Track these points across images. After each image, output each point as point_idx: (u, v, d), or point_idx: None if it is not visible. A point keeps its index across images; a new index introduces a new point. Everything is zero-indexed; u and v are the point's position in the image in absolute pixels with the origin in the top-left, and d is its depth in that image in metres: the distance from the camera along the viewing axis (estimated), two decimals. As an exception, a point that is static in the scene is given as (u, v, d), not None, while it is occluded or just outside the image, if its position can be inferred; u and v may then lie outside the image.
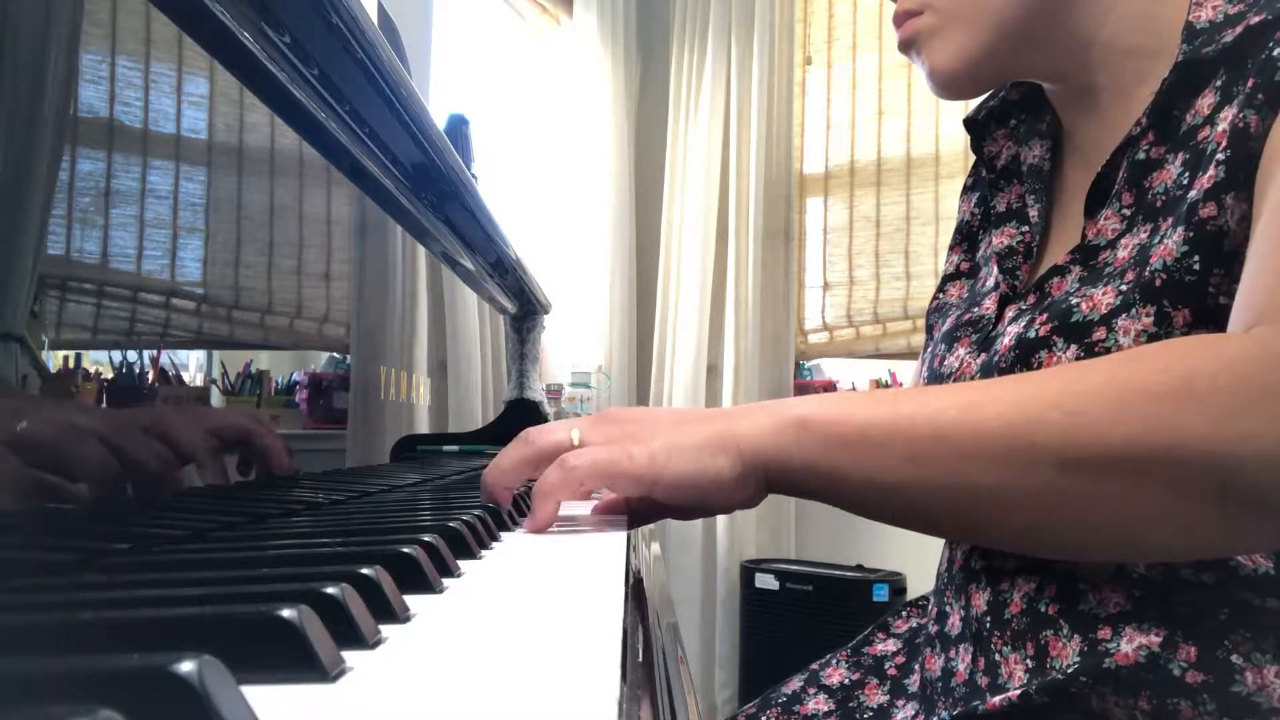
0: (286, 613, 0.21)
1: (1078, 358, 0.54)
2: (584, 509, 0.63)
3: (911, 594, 2.35)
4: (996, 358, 0.60)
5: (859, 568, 2.46)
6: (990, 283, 0.69)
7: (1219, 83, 0.55)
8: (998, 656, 0.58)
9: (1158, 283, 0.52)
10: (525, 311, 1.58)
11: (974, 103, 0.75)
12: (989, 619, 0.60)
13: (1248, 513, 0.42)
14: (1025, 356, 0.57)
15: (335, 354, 0.88)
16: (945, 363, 0.68)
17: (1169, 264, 0.52)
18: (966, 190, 0.81)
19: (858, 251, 2.74)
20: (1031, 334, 0.57)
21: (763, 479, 0.49)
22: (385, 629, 0.26)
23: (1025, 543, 0.50)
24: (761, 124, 2.70)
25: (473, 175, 1.15)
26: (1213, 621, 0.51)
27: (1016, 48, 0.63)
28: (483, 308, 1.48)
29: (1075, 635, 0.54)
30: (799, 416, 0.48)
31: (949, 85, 0.66)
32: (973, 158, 0.79)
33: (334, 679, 0.21)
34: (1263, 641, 0.51)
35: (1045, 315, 0.57)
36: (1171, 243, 0.52)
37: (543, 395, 1.58)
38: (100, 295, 0.47)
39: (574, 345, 2.67)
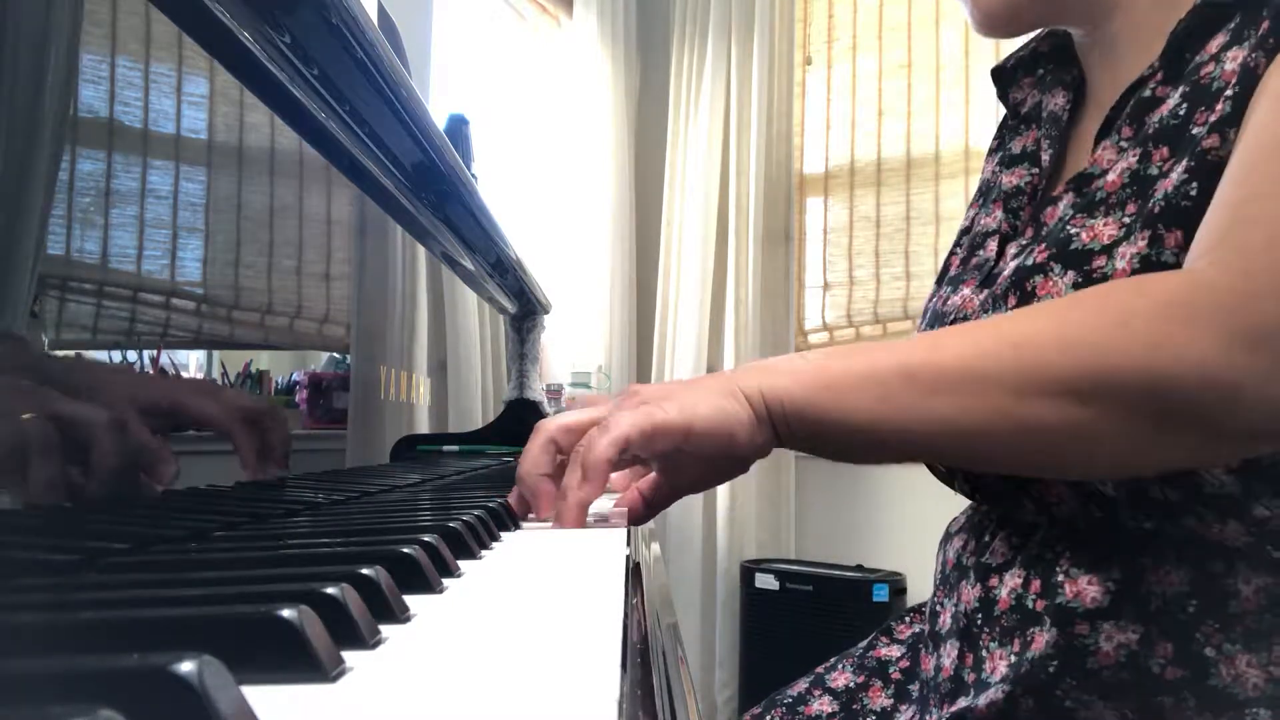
0: (286, 613, 0.21)
1: (1075, 285, 0.57)
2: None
3: (911, 594, 2.35)
4: (997, 290, 0.62)
5: (859, 568, 2.45)
6: (993, 225, 0.71)
7: (1232, 25, 0.56)
8: (984, 652, 0.59)
9: (1156, 210, 0.54)
10: (525, 311, 1.58)
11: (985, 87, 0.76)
12: (979, 615, 0.60)
13: (1186, 428, 0.47)
14: (1020, 283, 0.59)
15: (335, 354, 0.88)
16: (948, 303, 0.70)
17: (1169, 192, 0.54)
18: (991, 152, 0.82)
19: (858, 251, 2.74)
20: (1029, 261, 0.59)
21: (769, 426, 0.52)
22: (385, 629, 0.26)
23: (989, 463, 0.56)
24: (761, 124, 2.70)
25: (473, 175, 1.15)
26: (1183, 615, 0.53)
27: None
28: (483, 308, 1.48)
29: (1054, 627, 0.55)
30: (788, 368, 0.52)
31: (992, 24, 0.69)
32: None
33: (334, 679, 0.21)
34: (1230, 631, 0.52)
35: (1043, 244, 0.59)
36: (1175, 175, 0.54)
37: (543, 395, 1.58)
38: (100, 295, 0.47)
39: (574, 345, 2.67)
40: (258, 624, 0.21)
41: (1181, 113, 0.56)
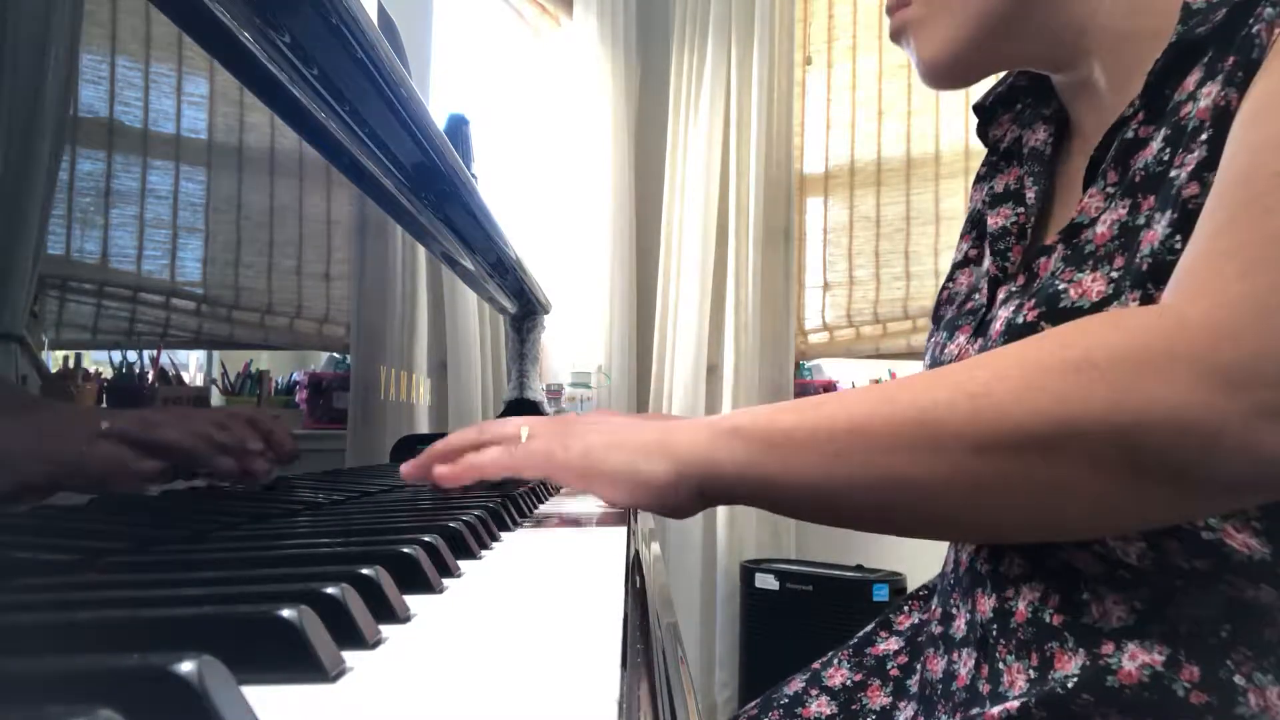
0: (287, 613, 0.21)
1: None
2: (587, 508, 0.64)
3: (911, 594, 2.35)
4: (990, 343, 0.60)
5: (859, 568, 2.45)
6: (985, 267, 0.69)
7: (1205, 60, 0.54)
8: (1001, 665, 0.58)
9: (1145, 267, 0.52)
10: (525, 311, 1.58)
11: (980, 91, 0.76)
12: (995, 626, 0.59)
13: (1162, 480, 0.43)
14: (1012, 342, 0.57)
15: (335, 354, 0.88)
16: (946, 350, 0.69)
17: (1155, 248, 0.51)
18: (979, 179, 0.80)
19: (858, 251, 2.74)
20: (1020, 320, 0.57)
21: (695, 486, 0.51)
22: (385, 629, 0.26)
23: (951, 529, 0.52)
24: (761, 124, 2.70)
25: (473, 175, 1.15)
26: (1214, 639, 0.51)
27: (1002, 37, 0.63)
28: (483, 308, 1.48)
29: (1080, 649, 0.54)
30: (730, 427, 0.50)
31: (936, 74, 0.67)
32: (973, 157, 0.79)
33: (334, 679, 0.21)
34: (1264, 660, 0.50)
35: (1033, 301, 0.57)
36: (1159, 228, 0.52)
37: (543, 395, 1.58)
38: (100, 295, 0.47)
39: (574, 345, 2.66)
40: (258, 624, 0.21)
41: (1165, 158, 0.54)
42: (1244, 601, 0.51)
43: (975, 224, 0.79)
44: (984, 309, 0.67)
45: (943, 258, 2.62)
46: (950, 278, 0.78)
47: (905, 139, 2.69)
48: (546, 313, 1.66)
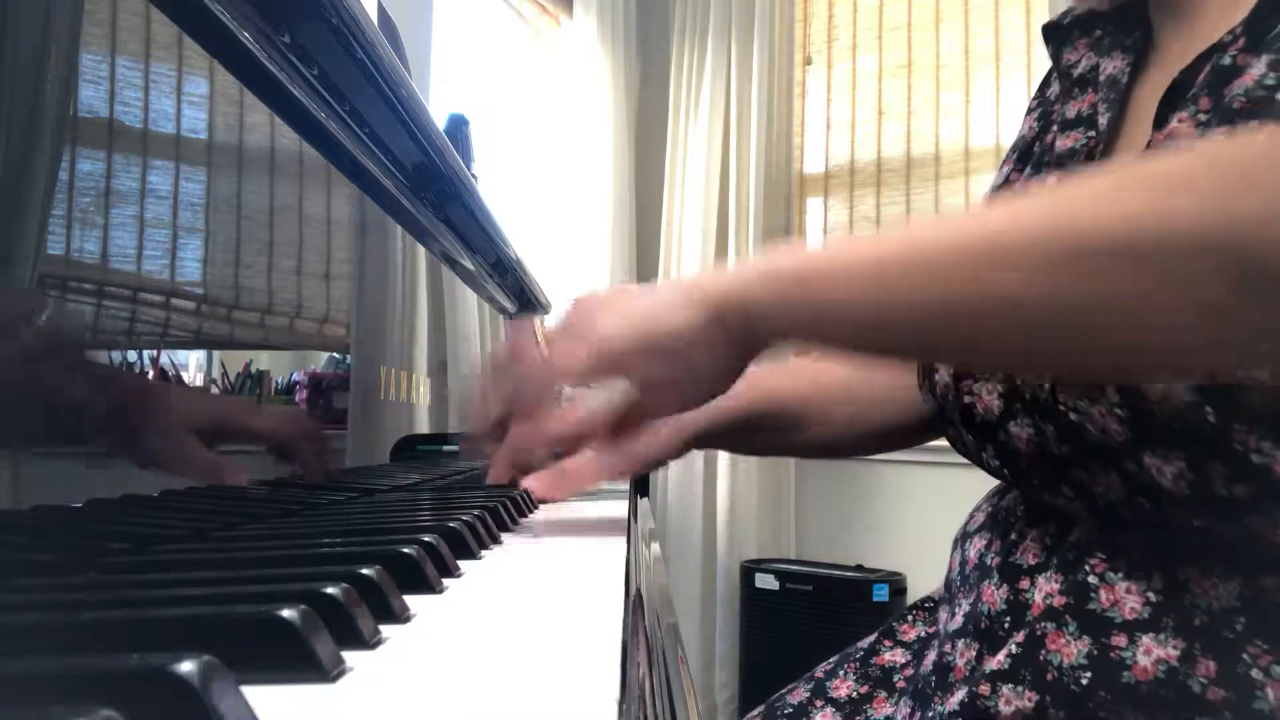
0: (286, 613, 0.21)
1: None
2: (587, 509, 0.63)
3: (911, 594, 2.35)
4: None
5: (859, 568, 2.45)
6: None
7: None
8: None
9: (1236, 104, 0.49)
10: (525, 311, 1.57)
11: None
12: (1007, 618, 0.58)
13: (1264, 296, 0.39)
14: None
15: (335, 354, 0.88)
16: None
17: (1250, 87, 0.48)
18: (1030, 110, 0.77)
19: (858, 251, 2.74)
20: None
21: (738, 325, 0.47)
22: (385, 629, 0.26)
23: (1011, 359, 0.48)
24: (761, 124, 2.70)
25: (473, 175, 1.15)
26: (1230, 633, 0.50)
27: None
28: (483, 308, 1.48)
29: (1084, 635, 0.53)
30: (769, 263, 0.47)
31: None
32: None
33: (334, 679, 0.21)
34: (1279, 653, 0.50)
35: None
36: (1256, 70, 0.49)
37: (543, 395, 1.57)
38: (100, 295, 0.47)
39: (574, 345, 2.66)
40: (258, 624, 0.21)
41: (1269, 82, 0.50)
42: (1261, 589, 0.50)
43: (1020, 150, 0.75)
44: None
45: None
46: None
47: (905, 139, 2.69)
48: (546, 312, 1.66)
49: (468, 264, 1.25)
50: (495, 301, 1.48)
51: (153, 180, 0.51)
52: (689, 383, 0.48)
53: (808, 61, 2.84)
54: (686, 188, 2.78)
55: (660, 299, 0.47)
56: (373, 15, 0.67)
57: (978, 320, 0.44)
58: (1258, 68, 0.51)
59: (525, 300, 1.54)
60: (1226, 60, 0.54)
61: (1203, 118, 0.54)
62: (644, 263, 2.87)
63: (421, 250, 1.14)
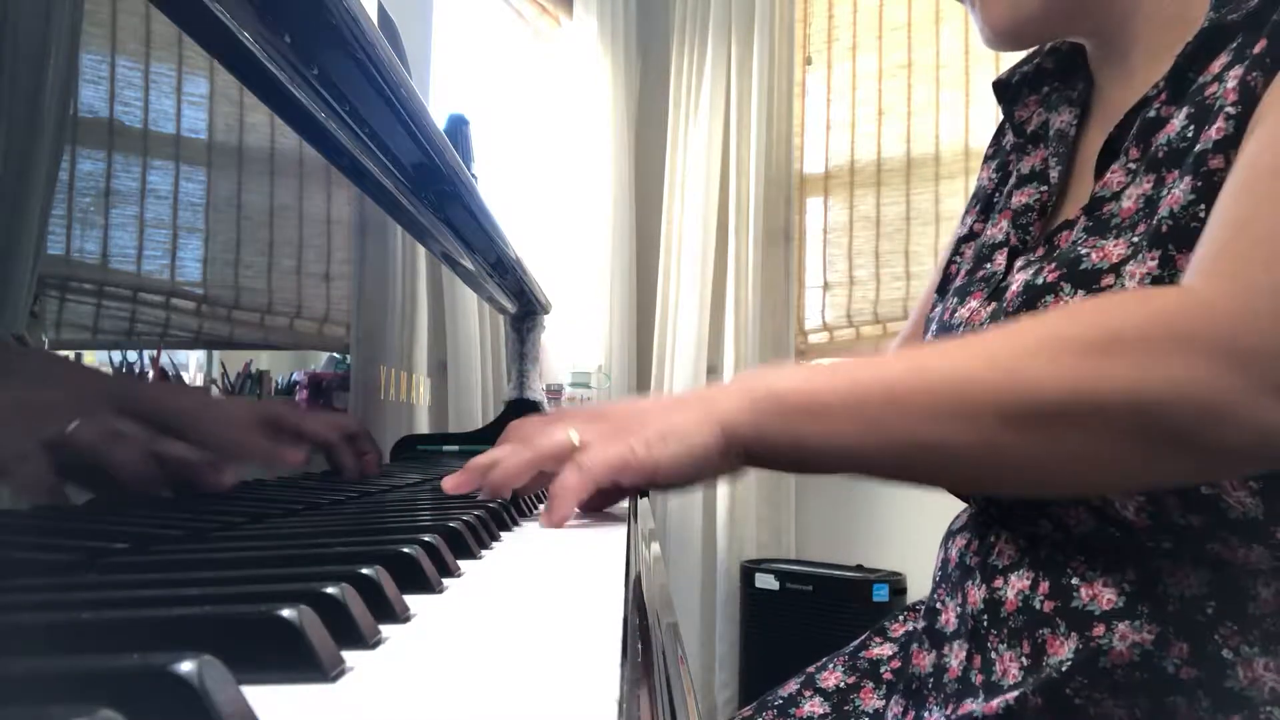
0: (286, 613, 0.21)
1: None
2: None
3: (911, 594, 2.35)
4: (1005, 304, 0.62)
5: (859, 568, 2.45)
6: (1000, 237, 0.71)
7: (1234, 45, 0.56)
8: (994, 654, 0.59)
9: (1164, 229, 0.54)
10: (525, 311, 1.58)
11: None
12: (985, 616, 0.60)
13: (1178, 450, 0.46)
14: (1032, 302, 0.59)
15: (335, 354, 0.88)
16: (956, 314, 0.70)
17: (1176, 211, 0.54)
18: (987, 159, 0.82)
19: (858, 251, 2.74)
20: (1039, 280, 0.59)
21: (740, 451, 0.52)
22: (385, 629, 0.26)
23: (974, 487, 0.58)
24: (761, 124, 2.70)
25: (473, 175, 1.15)
26: (1201, 616, 0.52)
27: (1070, 10, 0.66)
28: (483, 308, 1.48)
29: (1072, 633, 0.55)
30: (768, 393, 0.52)
31: (1001, 38, 0.69)
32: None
33: (334, 679, 0.21)
34: (1249, 634, 0.52)
35: (1054, 264, 0.59)
36: (1179, 191, 0.54)
37: (543, 395, 1.58)
38: (100, 295, 0.47)
39: (574, 345, 2.66)
40: (258, 624, 0.21)
41: (1189, 134, 0.56)
42: (1228, 576, 0.53)
43: (981, 200, 0.80)
44: (998, 275, 0.68)
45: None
46: (957, 251, 0.79)
47: (905, 139, 2.69)
48: (546, 313, 1.66)
49: (468, 264, 1.25)
50: (495, 301, 1.48)
51: (153, 180, 0.52)
52: (695, 480, 0.53)
53: (808, 62, 2.84)
54: (686, 188, 2.78)
55: (690, 418, 0.52)
56: (373, 15, 0.67)
57: (932, 469, 0.53)
58: (1178, 119, 0.57)
59: (525, 300, 1.54)
60: (1152, 113, 0.59)
61: (1132, 166, 0.60)
62: (644, 263, 2.87)
63: (421, 250, 1.14)
